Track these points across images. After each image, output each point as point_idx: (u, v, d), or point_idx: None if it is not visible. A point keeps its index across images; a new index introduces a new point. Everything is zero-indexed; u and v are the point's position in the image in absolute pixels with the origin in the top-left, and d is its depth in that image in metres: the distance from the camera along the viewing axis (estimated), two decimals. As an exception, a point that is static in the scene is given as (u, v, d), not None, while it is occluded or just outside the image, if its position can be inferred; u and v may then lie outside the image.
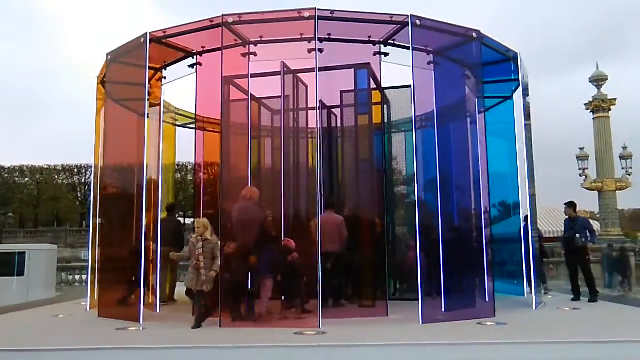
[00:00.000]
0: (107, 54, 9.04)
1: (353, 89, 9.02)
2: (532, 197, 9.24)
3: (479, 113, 9.02)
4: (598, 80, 22.72)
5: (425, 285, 7.13)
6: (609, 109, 22.54)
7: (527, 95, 9.52)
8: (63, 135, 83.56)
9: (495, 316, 7.11)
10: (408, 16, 7.21)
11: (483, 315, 7.06)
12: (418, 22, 7.26)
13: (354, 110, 9.54)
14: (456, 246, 7.33)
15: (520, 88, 8.97)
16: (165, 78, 9.72)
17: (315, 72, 7.09)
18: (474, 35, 7.80)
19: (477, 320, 6.94)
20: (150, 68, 9.31)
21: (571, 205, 10.36)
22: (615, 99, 22.59)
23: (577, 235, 9.90)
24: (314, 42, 7.19)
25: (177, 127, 11.53)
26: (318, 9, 6.91)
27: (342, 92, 9.47)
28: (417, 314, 6.85)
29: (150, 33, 7.99)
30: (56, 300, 11.50)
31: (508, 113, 9.62)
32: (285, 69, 8.76)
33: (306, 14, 6.86)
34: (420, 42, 7.74)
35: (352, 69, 8.52)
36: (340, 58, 7.74)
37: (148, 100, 10.19)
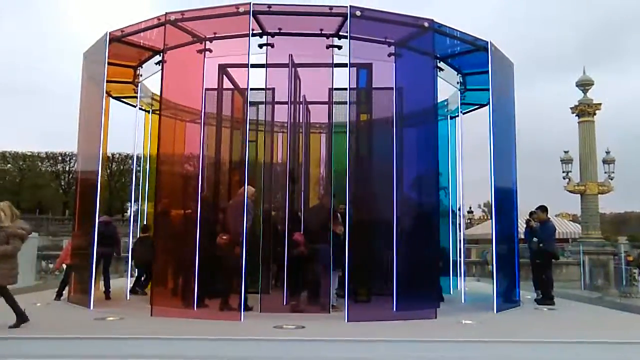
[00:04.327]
0: (84, 54, 9.47)
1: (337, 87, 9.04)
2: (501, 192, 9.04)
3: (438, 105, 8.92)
4: (584, 85, 22.76)
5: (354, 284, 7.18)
6: (594, 114, 22.57)
7: (504, 85, 9.31)
8: (48, 122, 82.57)
9: (436, 318, 7.06)
10: (348, 7, 7.14)
11: (424, 317, 7.05)
12: (358, 12, 7.18)
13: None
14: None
15: (490, 78, 8.56)
16: (141, 75, 10.07)
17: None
18: (426, 24, 7.67)
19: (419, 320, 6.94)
20: (127, 66, 9.94)
21: (543, 210, 10.35)
22: (600, 104, 22.58)
23: (535, 239, 9.93)
24: (265, 37, 7.31)
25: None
26: (254, 4, 6.89)
27: (330, 89, 9.55)
28: (368, 312, 7.07)
29: (110, 32, 8.37)
30: (35, 289, 11.49)
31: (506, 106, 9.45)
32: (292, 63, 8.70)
33: (241, 9, 6.85)
34: (378, 34, 7.79)
35: (355, 68, 8.38)
36: (293, 52, 7.73)
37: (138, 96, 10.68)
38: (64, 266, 10.32)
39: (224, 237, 7.32)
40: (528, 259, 10.57)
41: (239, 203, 7.31)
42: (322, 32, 7.76)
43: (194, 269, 7.35)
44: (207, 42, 8.03)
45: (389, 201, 7.43)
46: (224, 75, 9.33)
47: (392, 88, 7.96)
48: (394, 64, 7.80)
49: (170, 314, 7.06)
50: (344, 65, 7.86)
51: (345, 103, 8.86)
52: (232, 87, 9.87)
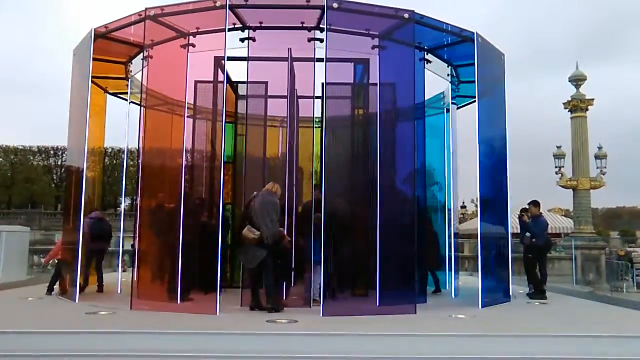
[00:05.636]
0: (73, 50, 9.42)
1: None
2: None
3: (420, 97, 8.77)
4: (577, 80, 22.82)
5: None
6: (587, 109, 22.62)
7: (494, 76, 9.17)
8: (40, 115, 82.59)
9: (416, 313, 7.03)
10: None
11: (404, 311, 7.01)
12: (335, 4, 7.12)
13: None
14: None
15: (476, 69, 8.41)
16: (131, 71, 10.08)
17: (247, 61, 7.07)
18: (406, 16, 7.59)
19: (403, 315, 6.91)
20: (119, 63, 9.93)
21: (535, 205, 10.35)
22: (592, 99, 22.63)
23: (527, 234, 9.93)
24: (247, 30, 7.27)
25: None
26: (232, -3, 6.87)
27: (323, 84, 9.33)
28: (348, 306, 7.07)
29: (95, 29, 8.36)
30: (27, 283, 11.50)
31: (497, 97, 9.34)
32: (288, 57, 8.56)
33: (218, 3, 6.84)
34: (360, 27, 7.78)
35: (352, 63, 8.48)
36: (274, 45, 7.70)
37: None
38: (55, 261, 10.27)
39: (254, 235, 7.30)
40: (521, 254, 10.59)
41: (272, 203, 7.37)
42: (304, 25, 7.71)
43: (179, 262, 7.41)
44: (191, 37, 8.01)
45: (370, 196, 7.44)
46: (219, 69, 9.27)
47: (375, 83, 7.90)
48: (378, 57, 7.77)
49: (154, 307, 7.09)
50: (335, 59, 7.77)
51: (338, 98, 8.97)
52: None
